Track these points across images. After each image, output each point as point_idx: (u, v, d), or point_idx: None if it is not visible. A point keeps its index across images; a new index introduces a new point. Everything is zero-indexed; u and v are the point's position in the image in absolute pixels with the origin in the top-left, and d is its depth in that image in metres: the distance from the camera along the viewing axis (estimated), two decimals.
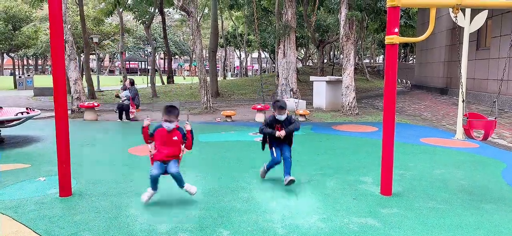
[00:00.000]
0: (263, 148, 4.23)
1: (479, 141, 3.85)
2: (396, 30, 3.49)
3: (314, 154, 5.74)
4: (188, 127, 3.60)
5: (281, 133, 3.95)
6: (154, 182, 3.43)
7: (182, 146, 3.60)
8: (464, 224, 3.10)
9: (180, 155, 3.58)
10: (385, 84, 3.70)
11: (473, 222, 3.14)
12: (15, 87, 25.61)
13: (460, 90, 3.90)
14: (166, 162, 3.48)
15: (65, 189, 3.68)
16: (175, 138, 3.53)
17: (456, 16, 3.45)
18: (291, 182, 3.88)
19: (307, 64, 38.72)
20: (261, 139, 4.25)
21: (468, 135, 3.91)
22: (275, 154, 4.01)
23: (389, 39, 3.52)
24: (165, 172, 3.47)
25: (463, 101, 3.96)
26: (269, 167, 4.13)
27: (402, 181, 4.28)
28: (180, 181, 3.47)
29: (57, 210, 3.33)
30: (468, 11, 6.93)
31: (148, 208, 3.39)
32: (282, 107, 3.97)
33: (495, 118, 3.66)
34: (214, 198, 3.67)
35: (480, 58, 12.90)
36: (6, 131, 7.01)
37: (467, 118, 3.76)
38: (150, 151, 3.58)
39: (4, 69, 57.46)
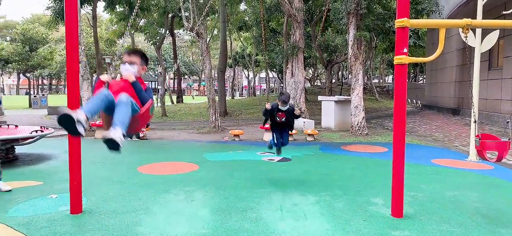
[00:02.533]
0: (264, 124, 5.43)
1: (492, 162, 3.77)
2: (405, 50, 3.51)
3: (323, 174, 5.68)
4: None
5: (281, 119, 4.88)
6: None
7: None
8: None
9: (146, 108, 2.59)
10: (394, 104, 3.69)
11: None
12: (30, 106, 26.32)
13: (472, 111, 3.86)
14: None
15: (76, 207, 3.72)
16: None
17: (466, 36, 3.46)
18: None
19: (315, 84, 38.83)
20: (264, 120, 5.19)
21: (481, 156, 3.84)
22: (275, 140, 4.94)
23: (398, 59, 3.54)
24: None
25: (475, 122, 3.91)
26: (270, 146, 5.18)
27: (413, 203, 4.19)
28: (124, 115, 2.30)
29: (67, 227, 3.36)
30: (478, 31, 6.92)
31: (157, 227, 3.39)
32: (284, 101, 4.75)
33: (509, 139, 3.59)
34: (222, 218, 3.64)
35: (493, 78, 12.75)
36: (20, 149, 7.17)
37: (480, 139, 3.71)
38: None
39: (20, 88, 59.23)
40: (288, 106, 4.81)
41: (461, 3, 12.99)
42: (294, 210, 3.90)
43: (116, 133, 2.18)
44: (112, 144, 2.16)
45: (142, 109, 2.52)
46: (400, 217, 3.71)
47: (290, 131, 5.04)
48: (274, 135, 4.92)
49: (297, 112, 4.87)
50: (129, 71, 2.58)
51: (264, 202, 4.14)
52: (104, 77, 2.66)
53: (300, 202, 4.17)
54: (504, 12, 6.78)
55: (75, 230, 3.30)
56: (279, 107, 4.80)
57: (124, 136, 2.22)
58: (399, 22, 3.51)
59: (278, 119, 4.82)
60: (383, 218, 3.70)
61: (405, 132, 3.74)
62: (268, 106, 4.81)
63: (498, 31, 7.05)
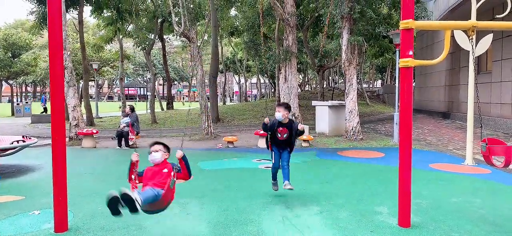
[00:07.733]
0: (267, 147, 4.53)
1: (499, 168, 3.66)
2: (411, 52, 3.38)
3: (323, 182, 5.50)
4: (179, 154, 3.09)
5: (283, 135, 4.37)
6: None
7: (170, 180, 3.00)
8: None
9: (167, 185, 2.98)
10: (400, 109, 3.55)
11: None
12: (13, 114, 25.42)
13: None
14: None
15: (61, 224, 3.42)
16: (165, 170, 3.08)
17: (471, 38, 3.35)
18: (290, 189, 4.32)
19: (306, 89, 38.91)
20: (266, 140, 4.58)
21: (487, 161, 3.72)
22: (273, 160, 4.42)
23: (404, 62, 3.40)
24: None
25: (481, 126, 3.80)
26: (273, 175, 4.51)
27: (419, 211, 4.04)
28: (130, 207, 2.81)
29: None
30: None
31: None
32: (286, 107, 4.33)
33: None
34: (221, 232, 3.40)
35: (482, 82, 12.91)
36: (0, 161, 6.75)
37: (486, 144, 3.59)
38: (136, 182, 3.15)
39: (3, 96, 57.41)
40: (287, 119, 4.34)
41: (451, 8, 13.15)
42: (297, 221, 3.69)
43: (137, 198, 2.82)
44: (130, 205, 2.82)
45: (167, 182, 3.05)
46: (408, 226, 3.55)
47: (290, 151, 4.45)
48: (274, 155, 4.42)
49: (300, 127, 4.34)
50: (156, 158, 3.17)
51: (265, 214, 3.92)
52: (134, 158, 3.13)
53: (302, 212, 3.96)
54: (497, 16, 6.79)
55: None
56: (280, 120, 4.30)
57: (140, 206, 2.86)
58: (404, 24, 3.38)
59: (279, 136, 4.33)
60: (390, 228, 3.53)
61: (411, 139, 3.60)
62: (266, 120, 4.31)
63: (492, 34, 7.06)
